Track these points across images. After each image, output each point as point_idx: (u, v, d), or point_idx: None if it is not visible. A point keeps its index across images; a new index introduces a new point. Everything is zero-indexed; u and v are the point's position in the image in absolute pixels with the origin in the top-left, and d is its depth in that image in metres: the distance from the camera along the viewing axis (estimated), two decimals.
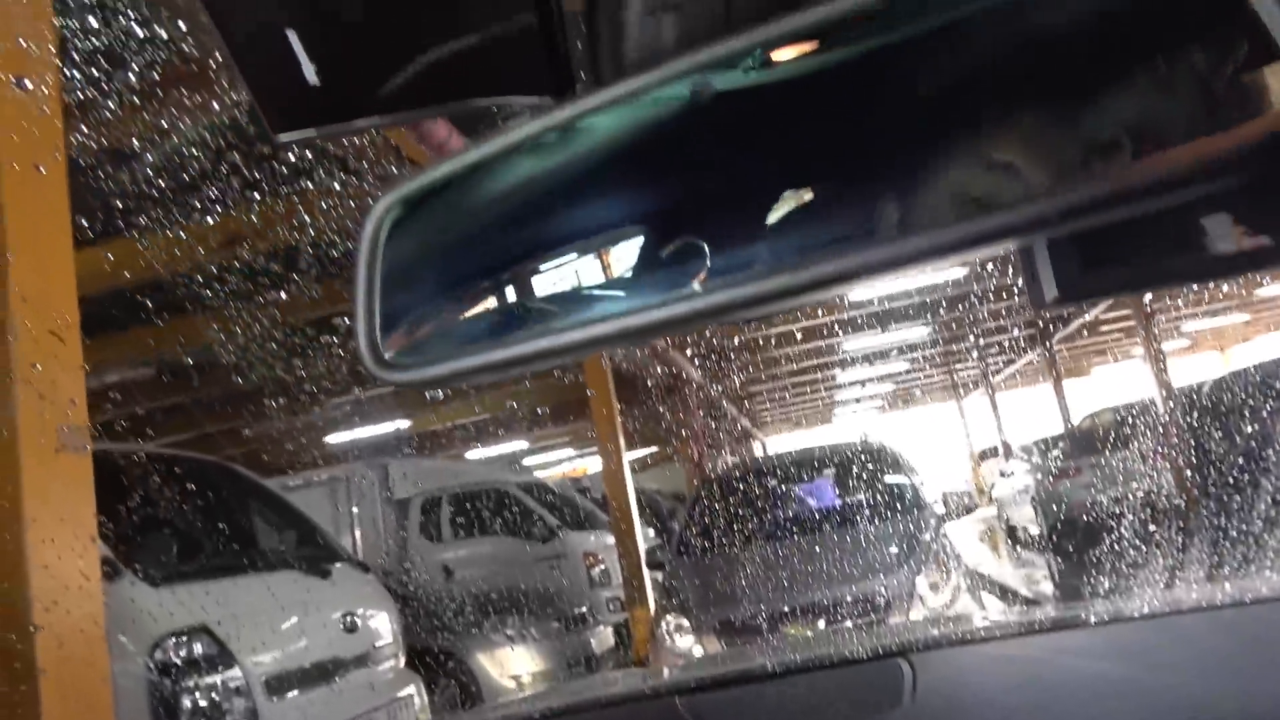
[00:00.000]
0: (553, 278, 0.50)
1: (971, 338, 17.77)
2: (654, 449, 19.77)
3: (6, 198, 2.50)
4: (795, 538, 6.11)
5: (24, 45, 2.59)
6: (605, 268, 0.50)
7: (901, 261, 0.37)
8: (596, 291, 0.54)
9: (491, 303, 0.50)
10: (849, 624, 5.21)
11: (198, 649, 3.74)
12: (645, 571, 8.98)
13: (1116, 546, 6.89)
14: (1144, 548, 6.77)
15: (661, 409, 15.63)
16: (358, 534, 9.88)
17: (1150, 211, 0.36)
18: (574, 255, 0.52)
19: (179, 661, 3.68)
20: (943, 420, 26.93)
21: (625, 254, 0.51)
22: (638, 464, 14.81)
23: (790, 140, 0.54)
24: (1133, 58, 0.38)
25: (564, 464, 22.14)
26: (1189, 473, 7.49)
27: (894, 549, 5.73)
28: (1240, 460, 5.88)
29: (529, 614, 9.04)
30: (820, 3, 0.40)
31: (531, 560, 9.28)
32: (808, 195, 0.49)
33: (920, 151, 0.44)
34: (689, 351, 14.25)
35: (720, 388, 17.98)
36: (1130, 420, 10.99)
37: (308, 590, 4.52)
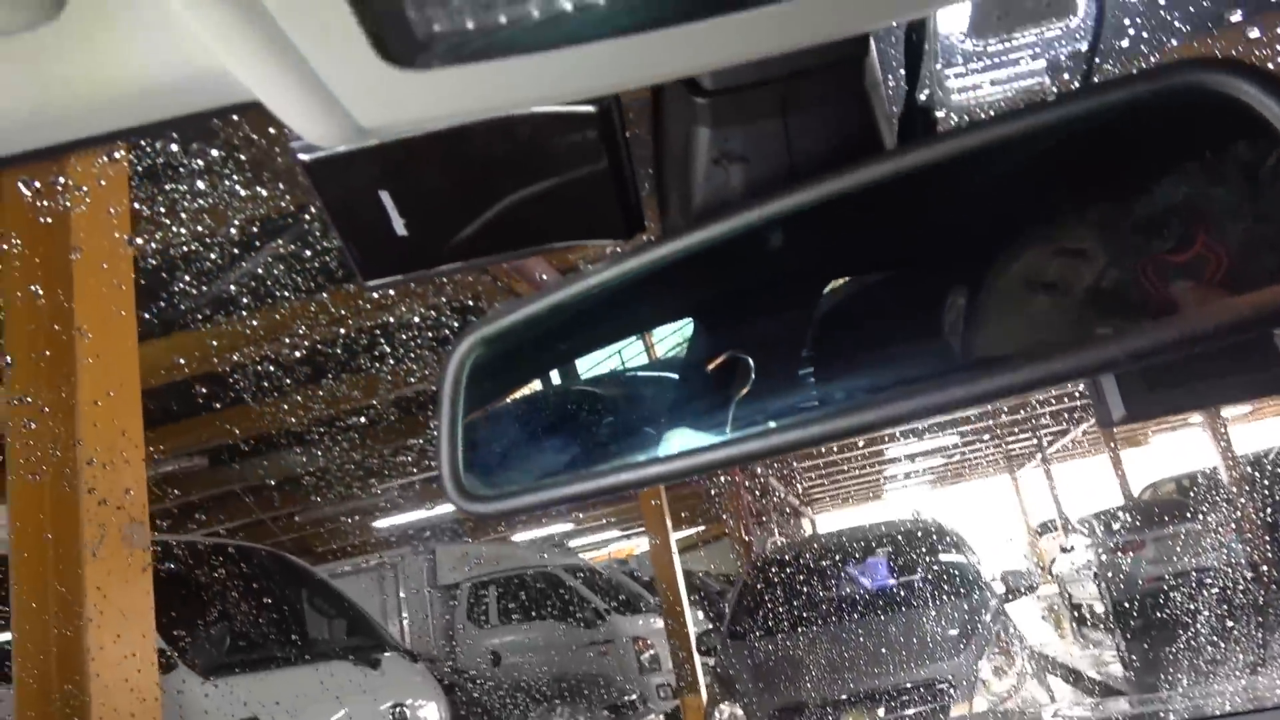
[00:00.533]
0: (624, 416, 0.53)
1: (1023, 409, 17.45)
2: (701, 528, 19.53)
3: (78, 304, 2.61)
4: (851, 620, 5.96)
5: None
6: (666, 404, 0.53)
7: (966, 402, 0.38)
8: (660, 429, 0.57)
9: (563, 441, 0.53)
10: (910, 712, 5.03)
11: None
12: (696, 656, 8.79)
13: (1186, 626, 6.60)
14: (1215, 626, 6.48)
15: (709, 487, 15.49)
16: (405, 620, 9.86)
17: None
18: (641, 389, 0.55)
19: None
20: (997, 495, 26.31)
21: (682, 389, 0.54)
22: (685, 544, 14.63)
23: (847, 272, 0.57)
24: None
25: (610, 545, 21.95)
26: (1261, 545, 7.19)
27: (954, 631, 5.56)
28: None
29: (578, 701, 8.88)
30: (880, 160, 0.43)
31: (579, 645, 9.15)
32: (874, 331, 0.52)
33: (978, 291, 0.46)
34: None
35: (768, 465, 17.79)
36: (1193, 489, 10.64)
37: (358, 681, 4.49)
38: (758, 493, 17.93)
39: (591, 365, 0.60)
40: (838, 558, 7.16)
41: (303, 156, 0.48)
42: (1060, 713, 2.74)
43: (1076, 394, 13.06)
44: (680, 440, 0.50)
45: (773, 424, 0.43)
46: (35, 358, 2.64)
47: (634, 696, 8.94)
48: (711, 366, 0.57)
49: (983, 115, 0.46)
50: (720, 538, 18.06)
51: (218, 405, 8.62)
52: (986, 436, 20.75)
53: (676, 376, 0.58)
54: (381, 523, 15.09)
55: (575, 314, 0.54)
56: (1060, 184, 0.51)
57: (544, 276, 5.28)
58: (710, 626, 9.76)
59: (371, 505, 14.28)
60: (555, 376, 0.60)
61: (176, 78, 0.36)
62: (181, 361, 6.81)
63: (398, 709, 4.56)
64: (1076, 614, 13.45)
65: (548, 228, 0.52)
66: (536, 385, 0.56)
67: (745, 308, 0.60)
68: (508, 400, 0.55)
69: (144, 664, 2.60)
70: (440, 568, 10.32)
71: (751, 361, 0.56)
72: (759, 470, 16.92)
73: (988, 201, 0.54)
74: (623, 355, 0.59)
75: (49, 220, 2.69)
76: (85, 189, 2.70)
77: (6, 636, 2.69)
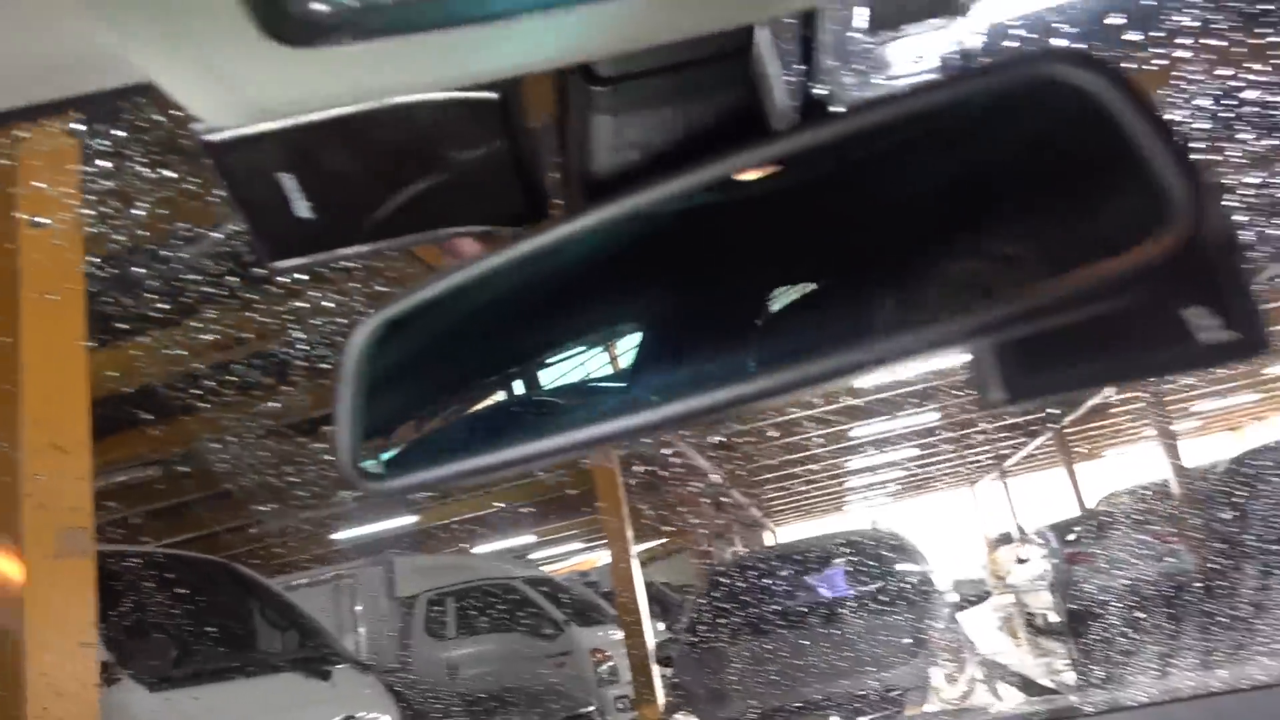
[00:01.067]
0: (529, 384, 0.53)
1: (981, 423, 17.70)
2: (663, 541, 19.54)
3: (24, 323, 2.57)
4: (807, 629, 5.99)
5: (44, 188, 2.71)
6: (583, 373, 0.53)
7: (849, 369, 0.40)
8: (572, 398, 0.58)
9: (468, 410, 0.53)
10: (864, 719, 5.07)
11: None
12: (654, 668, 8.78)
13: (1132, 632, 6.73)
14: (1156, 632, 6.62)
15: (670, 499, 15.50)
16: (362, 633, 9.72)
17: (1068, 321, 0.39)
18: (551, 364, 0.55)
19: None
20: (956, 507, 26.60)
21: (602, 359, 0.54)
22: (647, 556, 14.62)
23: (755, 251, 0.58)
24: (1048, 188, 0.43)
25: (572, 557, 21.85)
26: (1207, 554, 7.37)
27: (907, 639, 5.62)
28: (1244, 540, 5.80)
29: (535, 713, 8.81)
30: (779, 138, 0.45)
31: (538, 657, 9.09)
32: (788, 296, 0.53)
33: (870, 264, 0.48)
34: (694, 440, 14.20)
35: (729, 477, 17.86)
36: (1145, 502, 10.85)
37: (308, 693, 4.43)
38: (718, 504, 17.97)
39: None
40: (795, 567, 7.21)
41: (205, 137, 0.49)
42: (1004, 714, 2.80)
43: (1032, 409, 13.28)
44: (598, 408, 0.51)
45: (698, 388, 0.43)
46: None
47: (592, 708, 8.90)
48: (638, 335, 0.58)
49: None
50: (681, 550, 18.07)
51: (171, 413, 8.49)
52: (947, 449, 21.00)
53: (596, 346, 0.59)
54: (340, 534, 14.90)
55: (490, 326, 0.55)
56: (925, 175, 0.53)
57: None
58: (668, 637, 9.76)
59: (328, 516, 14.10)
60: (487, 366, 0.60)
61: (75, 57, 0.37)
62: (118, 374, 6.70)
63: None
64: (1031, 624, 13.63)
65: (450, 212, 0.53)
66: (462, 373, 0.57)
67: (677, 313, 0.62)
68: (417, 375, 0.55)
69: (83, 674, 2.56)
70: (398, 579, 10.20)
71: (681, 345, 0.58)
72: (720, 480, 16.97)
73: (876, 198, 0.56)
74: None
75: None
76: (35, 183, 2.67)
77: None
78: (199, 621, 4.51)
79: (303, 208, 0.51)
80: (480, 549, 17.54)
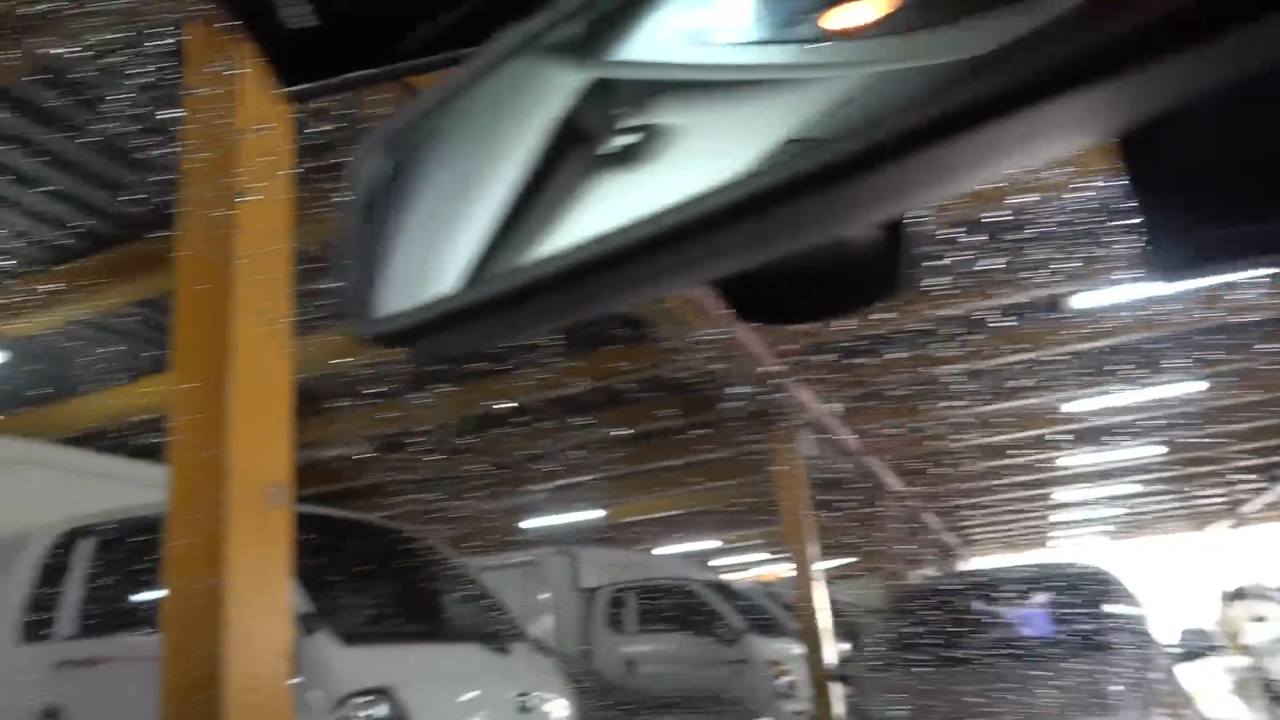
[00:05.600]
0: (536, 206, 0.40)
1: (1216, 462, 15.96)
2: (850, 559, 18.93)
3: (241, 338, 2.77)
4: (1000, 665, 5.56)
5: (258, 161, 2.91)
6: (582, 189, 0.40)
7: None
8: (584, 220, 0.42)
9: (478, 236, 0.41)
10: None
11: (380, 711, 3.84)
12: (834, 686, 8.47)
13: None
14: None
15: (859, 517, 15.00)
16: (545, 618, 10.01)
17: None
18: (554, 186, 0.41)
19: (361, 719, 3.79)
20: (1181, 553, 24.14)
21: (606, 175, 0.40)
22: (834, 574, 14.14)
23: None
24: None
25: (754, 567, 21.60)
26: None
27: (1117, 686, 5.08)
28: None
29: (709, 716, 8.73)
30: None
31: (715, 662, 9.00)
32: None
33: None
34: (889, 458, 13.65)
35: (923, 500, 17.07)
36: None
37: (487, 665, 4.57)
38: (910, 526, 17.21)
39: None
40: (991, 597, 6.72)
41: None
42: None
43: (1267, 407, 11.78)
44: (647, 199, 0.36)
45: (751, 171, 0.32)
46: (197, 331, 2.83)
47: None
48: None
49: None
50: (869, 570, 17.45)
51: (382, 397, 9.09)
52: (1172, 488, 19.11)
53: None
54: (527, 523, 15.47)
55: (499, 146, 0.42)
56: None
57: None
58: (851, 657, 9.40)
59: (519, 505, 14.67)
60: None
61: None
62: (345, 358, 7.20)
63: (524, 697, 4.60)
64: (1269, 690, 12.14)
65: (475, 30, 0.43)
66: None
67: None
68: (431, 206, 0.44)
69: (278, 619, 2.72)
70: (582, 571, 10.43)
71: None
72: (914, 501, 16.24)
73: None
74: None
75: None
76: (250, 166, 2.88)
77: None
78: (394, 586, 4.75)
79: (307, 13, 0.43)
80: (662, 549, 17.69)
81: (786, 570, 13.17)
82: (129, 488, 5.12)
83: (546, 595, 10.33)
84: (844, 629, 11.01)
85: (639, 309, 6.85)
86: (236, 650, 2.52)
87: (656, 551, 17.11)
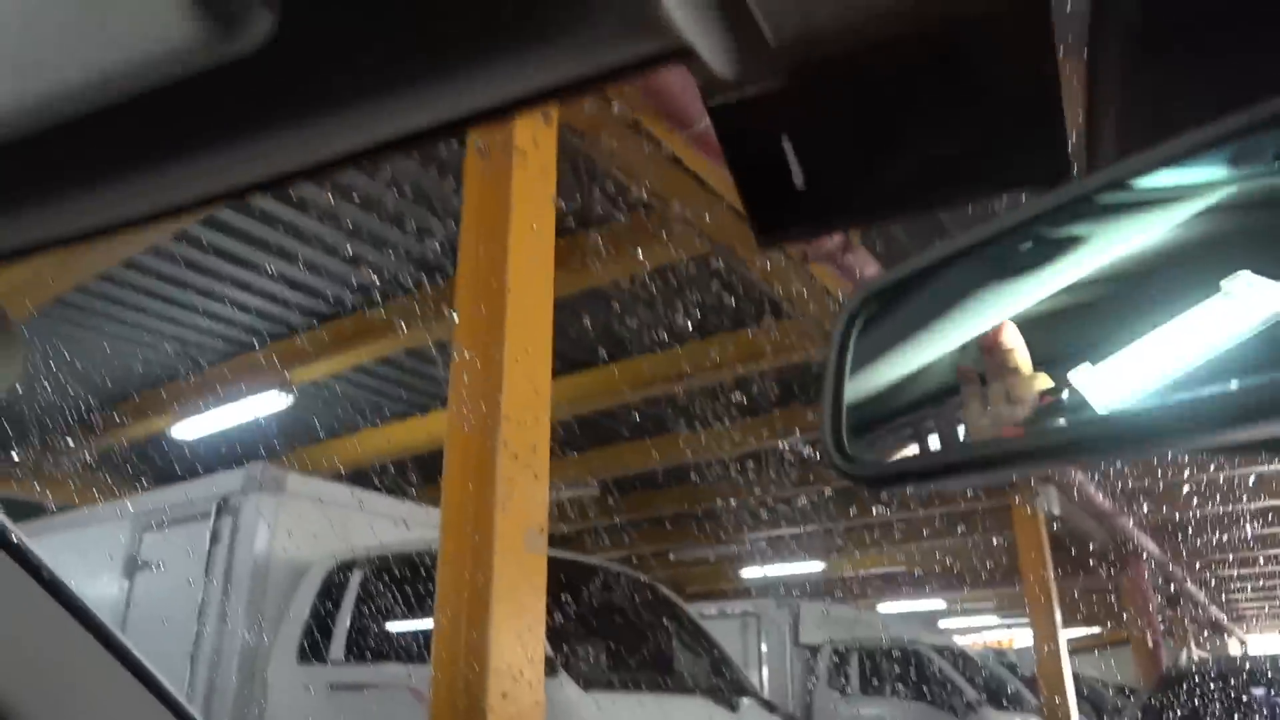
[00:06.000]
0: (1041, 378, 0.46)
1: None
2: (1096, 630, 17.35)
3: (508, 355, 2.98)
4: None
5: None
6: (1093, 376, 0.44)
7: None
8: (1079, 398, 0.48)
9: (958, 405, 0.47)
10: None
11: None
12: None
13: None
14: None
15: (1108, 585, 13.75)
16: (764, 672, 9.85)
17: None
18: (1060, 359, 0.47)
19: None
20: None
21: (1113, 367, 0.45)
22: (1077, 645, 13.02)
23: None
24: None
25: (985, 631, 20.27)
26: None
27: None
28: None
29: None
30: None
31: None
32: None
33: None
34: (1145, 518, 12.45)
35: (1185, 567, 15.40)
36: None
37: (715, 719, 4.55)
38: (1170, 597, 15.57)
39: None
40: (1275, 682, 5.94)
41: (709, 103, 0.47)
42: None
43: None
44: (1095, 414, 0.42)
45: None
46: (474, 313, 3.07)
47: None
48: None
49: None
50: (1119, 643, 15.89)
51: (618, 438, 9.40)
52: None
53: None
54: (747, 571, 15.35)
55: (987, 271, 0.48)
56: None
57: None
58: None
59: (741, 553, 14.61)
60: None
61: (606, 30, 0.36)
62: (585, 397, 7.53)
63: None
64: None
65: (965, 177, 0.47)
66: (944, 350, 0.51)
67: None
68: (907, 358, 0.50)
69: (534, 663, 2.86)
70: (803, 625, 10.21)
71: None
72: (1174, 570, 14.69)
73: None
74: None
75: (493, 179, 3.12)
76: (524, 151, 3.10)
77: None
78: (627, 634, 4.86)
79: (798, 177, 0.48)
80: (885, 607, 16.99)
81: (1022, 638, 12.27)
82: (389, 523, 5.59)
83: (764, 648, 10.19)
84: (1090, 707, 10.09)
85: None
86: (498, 690, 2.67)
87: (879, 608, 16.46)
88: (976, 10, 0.36)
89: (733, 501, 11.60)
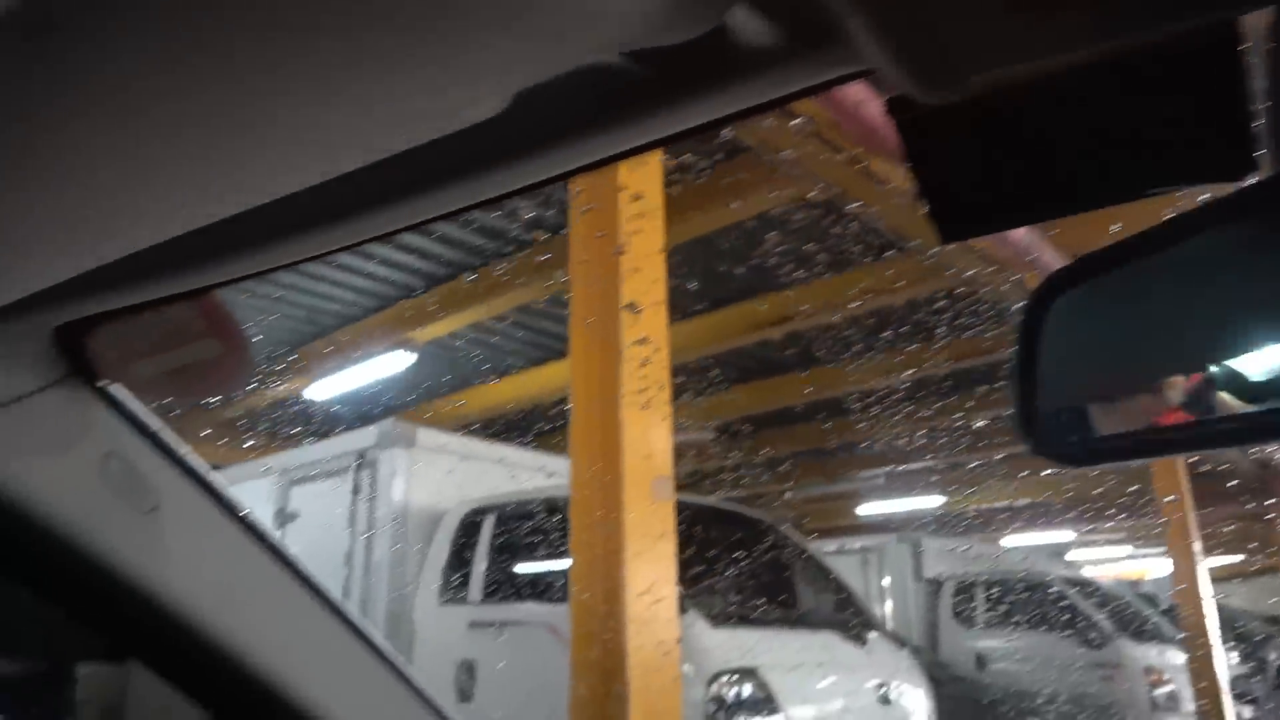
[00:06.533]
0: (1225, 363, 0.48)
1: None
2: (1241, 557, 16.59)
3: (623, 305, 3.04)
4: None
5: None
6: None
7: None
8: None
9: (1150, 385, 0.50)
10: None
11: (746, 690, 4.04)
12: (1228, 703, 7.52)
13: None
14: None
15: (1252, 512, 13.11)
16: (887, 607, 9.86)
17: None
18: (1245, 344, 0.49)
19: (729, 698, 4.01)
20: None
21: None
22: (1219, 574, 12.49)
23: None
24: None
25: (1119, 563, 19.64)
26: None
27: None
28: None
29: None
30: None
31: (1079, 665, 8.35)
32: None
33: None
34: None
35: None
36: None
37: (846, 653, 4.62)
38: None
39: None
40: None
41: (892, 114, 0.49)
42: None
43: None
44: None
45: None
46: (587, 264, 3.17)
47: None
48: None
49: None
50: (1269, 571, 15.17)
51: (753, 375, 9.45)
52: None
53: None
54: (864, 508, 15.27)
55: (1185, 293, 0.51)
56: None
57: None
58: (1247, 671, 8.28)
59: (856, 489, 14.53)
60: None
61: (795, 58, 0.39)
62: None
63: (884, 688, 4.60)
64: None
65: (1145, 172, 0.48)
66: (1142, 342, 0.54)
67: None
68: (1100, 339, 0.54)
69: (667, 603, 2.96)
70: (925, 560, 10.13)
71: None
72: None
73: None
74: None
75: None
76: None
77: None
78: (752, 572, 4.96)
79: (978, 177, 0.50)
80: (1010, 540, 16.65)
81: (1160, 568, 11.84)
82: (521, 471, 5.82)
83: (886, 583, 10.17)
84: (1235, 638, 9.71)
85: (1005, 293, 6.57)
86: (635, 628, 2.79)
87: (1004, 542, 16.15)
88: (1163, 34, 0.37)
89: (858, 435, 11.51)
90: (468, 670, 4.79)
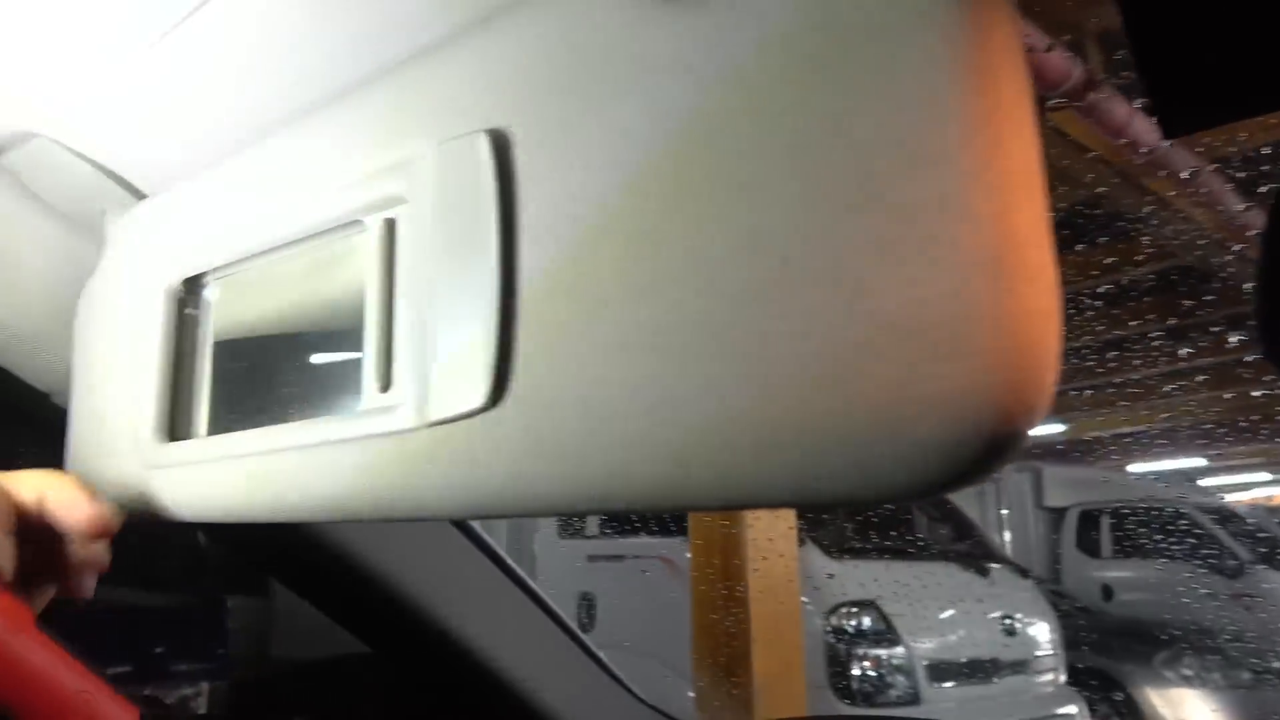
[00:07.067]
0: None
1: None
2: None
3: None
4: None
5: None
6: None
7: None
8: None
9: None
10: None
11: (866, 621, 4.01)
12: None
13: None
14: None
15: None
16: (1007, 537, 9.64)
17: None
18: None
19: (850, 629, 3.99)
20: None
21: None
22: None
23: None
24: None
25: (1255, 489, 18.66)
26: None
27: None
28: None
29: (1209, 654, 7.84)
30: None
31: (1214, 592, 8.01)
32: None
33: None
34: None
35: None
36: None
37: (967, 585, 4.54)
38: None
39: None
40: None
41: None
42: None
43: None
44: None
45: None
46: None
47: None
48: None
49: None
50: None
51: None
52: None
53: None
54: None
55: None
56: None
57: None
58: None
59: None
60: None
61: None
62: None
63: (1007, 620, 4.50)
64: None
65: None
66: None
67: None
68: None
69: (786, 536, 2.95)
70: (1046, 489, 9.84)
71: None
72: None
73: None
74: None
75: None
76: None
77: None
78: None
79: (1209, 64, 0.43)
80: (1138, 466, 16.00)
81: None
82: None
83: (1005, 512, 9.94)
84: None
85: (1132, 205, 6.15)
86: (756, 559, 2.79)
87: (1131, 468, 15.54)
88: None
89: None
90: (588, 601, 4.91)
